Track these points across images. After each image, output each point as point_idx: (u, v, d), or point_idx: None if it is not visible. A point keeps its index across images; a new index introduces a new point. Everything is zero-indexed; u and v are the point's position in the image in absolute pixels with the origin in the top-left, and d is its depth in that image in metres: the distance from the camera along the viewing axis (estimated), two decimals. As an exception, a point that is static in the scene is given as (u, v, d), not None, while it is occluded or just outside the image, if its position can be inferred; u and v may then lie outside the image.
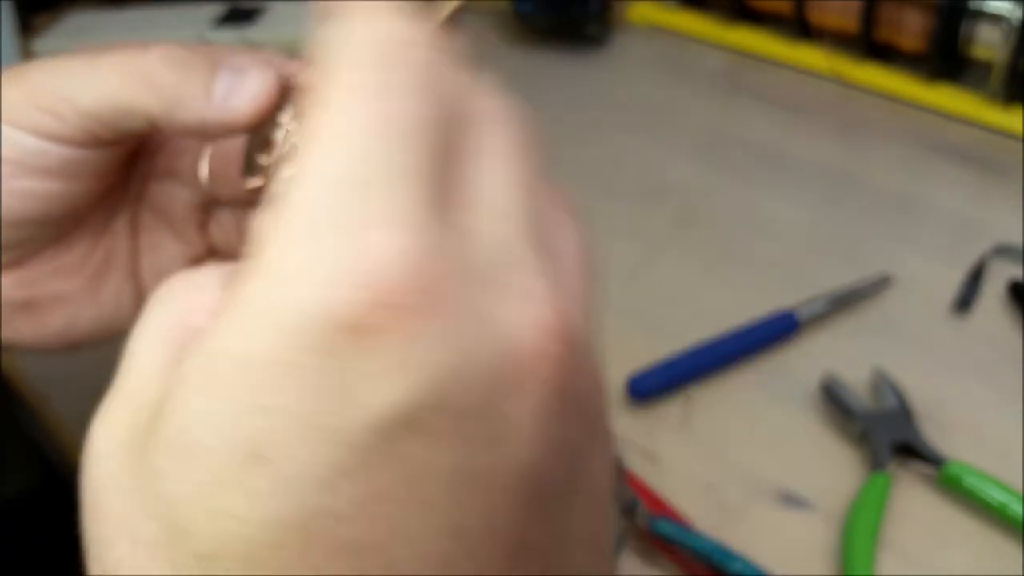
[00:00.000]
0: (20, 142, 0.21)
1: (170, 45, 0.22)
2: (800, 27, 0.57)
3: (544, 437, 0.13)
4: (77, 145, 0.22)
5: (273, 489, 0.11)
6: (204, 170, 0.24)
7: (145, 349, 0.14)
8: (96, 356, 0.38)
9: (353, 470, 0.11)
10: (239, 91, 0.20)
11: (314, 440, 0.11)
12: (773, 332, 0.38)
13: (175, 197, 0.26)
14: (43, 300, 0.24)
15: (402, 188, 0.12)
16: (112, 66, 0.21)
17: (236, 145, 0.22)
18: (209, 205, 0.25)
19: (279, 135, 0.20)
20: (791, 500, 0.32)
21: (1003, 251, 0.43)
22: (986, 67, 0.51)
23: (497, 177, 0.14)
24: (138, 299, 0.26)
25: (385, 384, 0.11)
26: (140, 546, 0.12)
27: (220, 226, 0.26)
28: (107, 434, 0.13)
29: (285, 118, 0.20)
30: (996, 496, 0.31)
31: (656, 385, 0.36)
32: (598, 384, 0.14)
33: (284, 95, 0.21)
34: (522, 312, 0.13)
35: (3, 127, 0.21)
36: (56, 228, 0.24)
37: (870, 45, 0.55)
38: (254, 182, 0.21)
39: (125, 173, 0.25)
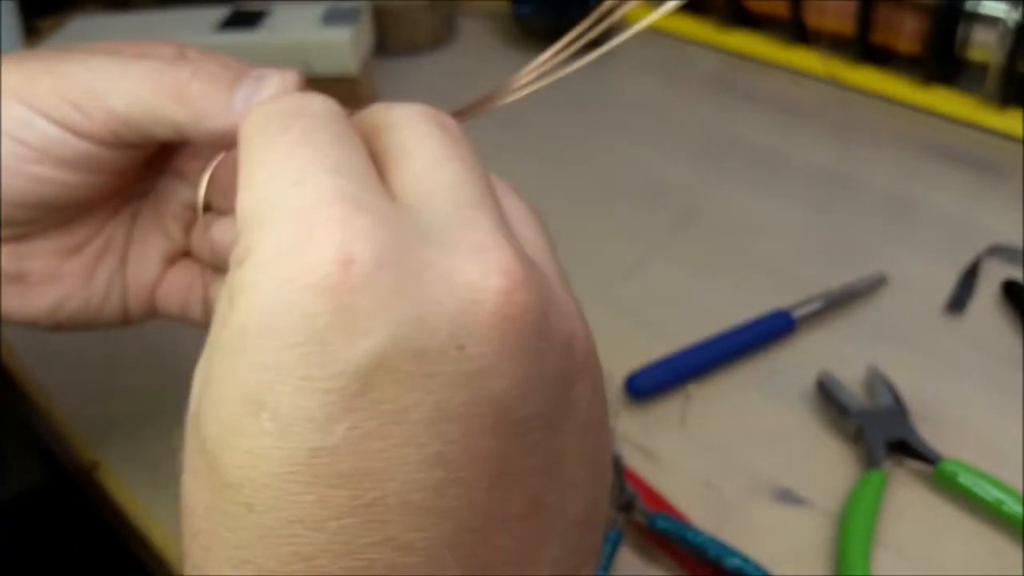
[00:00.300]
0: (43, 130, 0.22)
1: (194, 57, 0.22)
2: (796, 30, 0.57)
3: (516, 371, 0.14)
4: (100, 143, 0.22)
5: (278, 430, 0.14)
6: (205, 178, 0.24)
7: (220, 303, 0.17)
8: (101, 357, 0.39)
9: (341, 413, 0.13)
10: (259, 95, 0.21)
11: (306, 390, 0.13)
12: (769, 331, 0.38)
13: (176, 195, 0.26)
14: (36, 276, 0.25)
15: (340, 178, 0.15)
16: (145, 73, 0.21)
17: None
18: (201, 208, 0.26)
19: None
20: (788, 497, 0.33)
21: (997, 251, 0.43)
22: (981, 69, 0.51)
23: (428, 161, 0.16)
24: (123, 290, 0.26)
25: (357, 338, 0.13)
26: (194, 476, 0.15)
27: (202, 230, 0.26)
28: (195, 381, 0.16)
29: None
30: (991, 494, 0.31)
31: (654, 384, 0.36)
32: (576, 323, 0.16)
33: None
34: (477, 262, 0.14)
35: (27, 112, 0.22)
36: (64, 214, 0.24)
37: (866, 48, 0.55)
38: None
39: (142, 170, 0.25)
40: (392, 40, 0.61)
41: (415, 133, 0.17)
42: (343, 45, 0.50)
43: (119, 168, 0.23)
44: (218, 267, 0.25)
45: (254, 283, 0.14)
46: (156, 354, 0.38)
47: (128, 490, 0.33)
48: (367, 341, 0.13)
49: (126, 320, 0.26)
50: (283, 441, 0.13)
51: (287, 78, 0.21)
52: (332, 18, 0.52)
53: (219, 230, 0.24)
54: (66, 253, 0.25)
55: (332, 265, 0.13)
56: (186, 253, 0.26)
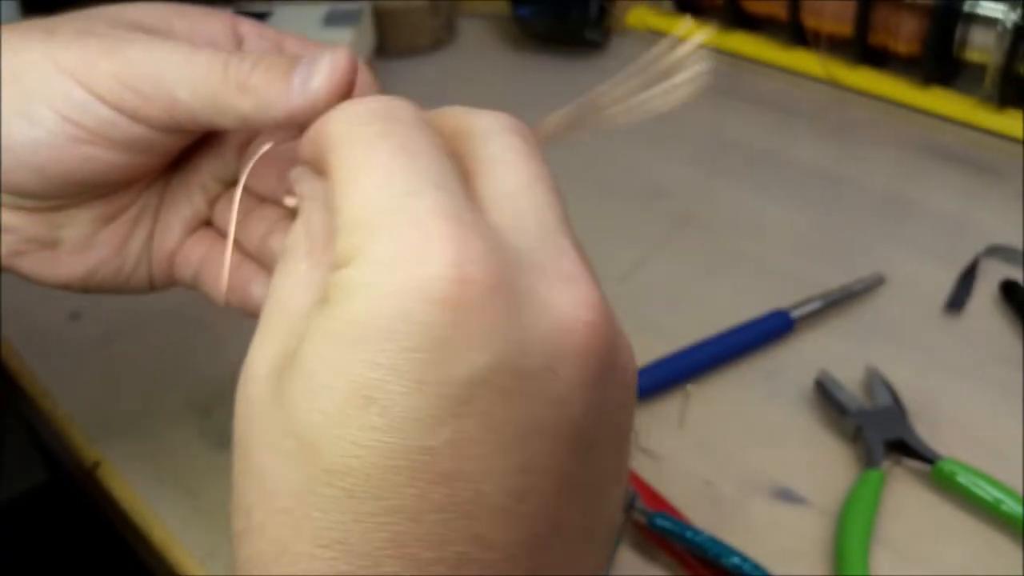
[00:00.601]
0: (100, 113, 0.22)
1: (254, 51, 0.22)
2: (795, 32, 0.58)
3: (593, 397, 0.16)
4: (157, 128, 0.22)
5: (385, 426, 0.15)
6: (251, 163, 0.24)
7: (288, 290, 0.17)
8: (102, 357, 0.39)
9: (448, 417, 0.15)
10: (314, 76, 0.21)
11: (418, 392, 0.15)
12: (768, 331, 0.39)
13: (207, 166, 0.26)
14: (70, 244, 0.25)
15: (444, 193, 0.16)
16: (209, 63, 0.21)
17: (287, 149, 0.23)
18: (241, 189, 0.26)
19: None
20: (786, 496, 0.33)
21: (996, 251, 0.43)
22: (980, 70, 0.51)
23: (518, 180, 0.17)
24: (149, 256, 0.26)
25: (470, 352, 0.15)
26: (279, 456, 0.15)
27: (227, 204, 0.26)
28: (259, 360, 0.17)
29: None
30: (989, 493, 0.31)
31: (653, 383, 0.36)
32: (631, 355, 0.18)
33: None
34: (569, 293, 0.16)
35: (85, 95, 0.21)
36: (106, 188, 0.24)
37: (865, 49, 0.55)
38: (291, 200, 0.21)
39: (187, 150, 0.25)
40: (392, 41, 0.61)
41: (504, 147, 0.18)
42: (344, 46, 0.50)
43: (168, 149, 0.24)
44: (247, 249, 0.25)
45: (369, 286, 0.15)
46: (157, 354, 0.38)
47: (129, 489, 0.33)
48: (478, 357, 0.15)
49: (151, 287, 0.27)
50: (390, 436, 0.15)
51: (338, 61, 0.21)
52: (333, 19, 0.52)
53: (260, 215, 0.24)
54: (101, 222, 0.25)
55: (451, 283, 0.15)
56: (206, 223, 0.26)
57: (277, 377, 0.16)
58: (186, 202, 0.26)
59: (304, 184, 0.20)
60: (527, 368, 0.15)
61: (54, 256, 0.25)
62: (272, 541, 0.16)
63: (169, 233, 0.26)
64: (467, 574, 0.15)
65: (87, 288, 0.26)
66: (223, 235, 0.26)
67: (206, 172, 0.26)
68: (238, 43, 0.25)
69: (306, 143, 0.19)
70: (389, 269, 0.15)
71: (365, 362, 0.15)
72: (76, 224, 0.25)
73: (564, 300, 0.16)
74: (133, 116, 0.22)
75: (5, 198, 0.23)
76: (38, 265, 0.25)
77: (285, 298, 0.18)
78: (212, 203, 0.26)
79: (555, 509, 0.16)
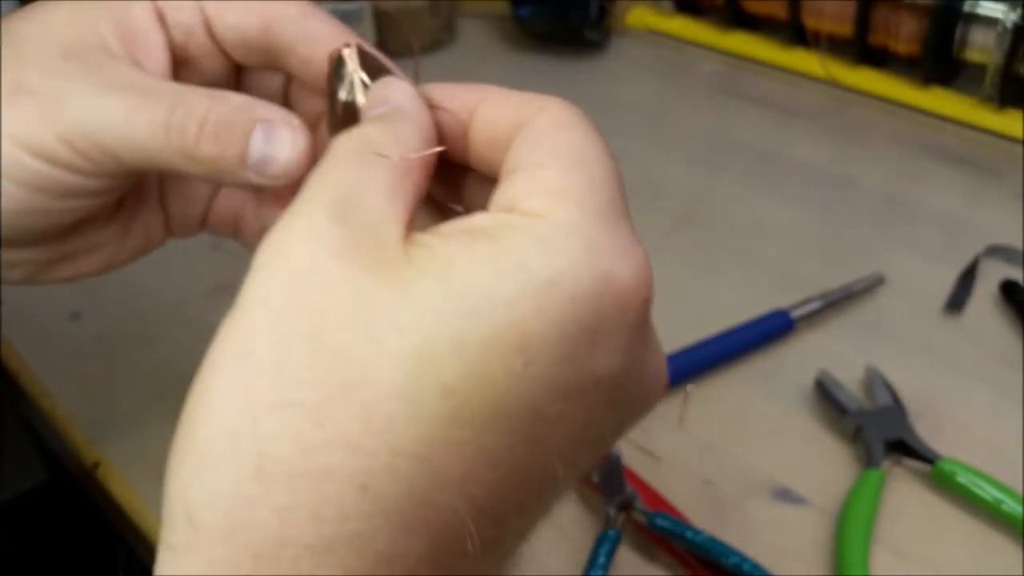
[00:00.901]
0: (51, 174, 0.21)
1: (204, 99, 0.21)
2: (795, 32, 0.58)
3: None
4: (116, 176, 0.22)
5: (521, 378, 0.15)
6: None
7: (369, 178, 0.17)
8: (102, 356, 0.39)
9: (570, 396, 0.16)
10: (273, 157, 0.21)
11: (563, 364, 0.16)
12: (769, 331, 0.39)
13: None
14: (80, 251, 0.25)
15: (621, 217, 0.18)
16: (153, 126, 0.20)
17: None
18: None
19: (341, 97, 0.21)
20: (786, 496, 0.33)
21: (995, 251, 0.43)
22: (980, 70, 0.51)
23: (594, 173, 0.19)
24: (167, 224, 0.26)
25: (611, 355, 0.16)
26: (388, 351, 0.15)
27: None
28: (313, 249, 0.16)
29: (345, 82, 0.21)
30: (989, 493, 0.31)
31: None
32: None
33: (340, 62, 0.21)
34: (630, 264, 0.17)
35: (31, 159, 0.21)
36: (94, 216, 0.25)
37: (864, 49, 0.55)
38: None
39: None
40: (392, 42, 0.61)
41: (578, 136, 0.18)
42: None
43: (135, 181, 0.24)
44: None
45: (569, 249, 0.16)
46: (158, 353, 0.38)
47: (130, 489, 0.33)
48: (613, 361, 0.17)
49: (169, 235, 0.27)
50: (521, 388, 0.15)
51: (298, 140, 0.21)
52: (333, 20, 0.52)
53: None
54: (102, 224, 0.25)
55: (634, 292, 0.17)
56: None
57: (387, 269, 0.15)
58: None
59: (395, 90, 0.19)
60: (631, 394, 0.17)
61: (72, 263, 0.25)
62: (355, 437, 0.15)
63: (190, 202, 0.26)
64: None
65: (108, 271, 0.26)
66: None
67: None
68: (161, 19, 0.23)
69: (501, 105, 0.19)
70: (594, 250, 0.16)
71: (534, 309, 0.15)
72: (82, 236, 0.25)
73: (660, 362, 0.18)
74: (88, 174, 0.22)
75: (4, 242, 0.23)
76: (61, 272, 0.25)
77: (361, 182, 0.17)
78: None
79: (588, 422, 0.17)
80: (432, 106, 0.20)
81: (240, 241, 0.26)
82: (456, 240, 0.16)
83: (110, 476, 0.34)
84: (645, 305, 0.17)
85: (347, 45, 0.22)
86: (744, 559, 0.29)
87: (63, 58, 0.21)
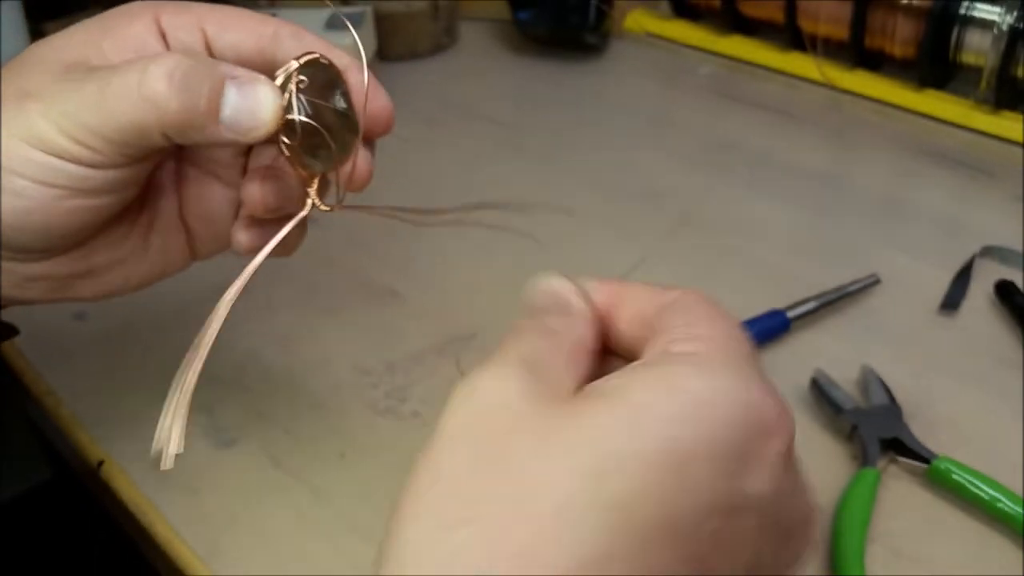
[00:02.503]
0: (63, 169, 0.22)
1: (171, 56, 0.22)
2: (792, 35, 0.58)
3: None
4: (116, 167, 0.23)
5: (690, 489, 0.16)
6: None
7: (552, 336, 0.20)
8: (107, 355, 0.39)
9: (731, 512, 0.17)
10: (245, 111, 0.22)
11: (718, 482, 0.17)
12: (764, 330, 0.39)
13: (218, 151, 0.27)
14: (100, 267, 0.26)
15: (759, 370, 0.19)
16: (121, 92, 0.22)
17: None
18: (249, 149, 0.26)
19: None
20: (783, 494, 0.33)
21: (991, 252, 0.44)
22: (975, 72, 0.51)
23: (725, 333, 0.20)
24: (187, 245, 0.27)
25: (760, 479, 0.17)
26: (556, 465, 0.16)
27: (258, 158, 0.27)
28: (503, 388, 0.18)
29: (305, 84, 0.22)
30: (985, 491, 0.31)
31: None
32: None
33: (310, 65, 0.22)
34: (773, 407, 0.18)
35: (43, 156, 0.22)
36: (110, 219, 0.25)
37: (860, 52, 0.56)
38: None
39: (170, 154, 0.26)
40: (394, 45, 0.62)
41: (715, 305, 0.20)
42: (345, 50, 0.51)
43: (144, 174, 0.24)
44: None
45: (715, 387, 0.17)
46: (163, 353, 0.39)
47: (133, 487, 0.34)
48: (759, 484, 0.17)
49: (194, 258, 0.28)
50: (671, 501, 0.16)
51: (268, 93, 0.22)
52: (335, 24, 0.53)
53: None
54: (120, 239, 0.26)
55: (785, 427, 0.18)
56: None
57: (561, 395, 0.18)
58: (218, 185, 0.27)
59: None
60: (781, 524, 0.18)
61: (93, 281, 0.26)
62: (514, 542, 0.16)
63: (214, 218, 0.27)
64: None
65: (128, 291, 0.27)
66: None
67: (222, 153, 0.27)
68: (162, 36, 0.25)
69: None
70: (744, 380, 0.18)
71: (693, 427, 0.16)
72: (99, 250, 0.26)
73: (810, 500, 0.19)
74: (93, 165, 0.22)
75: (24, 249, 0.24)
76: (82, 290, 0.26)
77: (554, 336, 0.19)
78: (245, 172, 0.27)
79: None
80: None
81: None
82: (620, 374, 0.18)
83: (114, 475, 0.34)
84: (789, 440, 0.18)
85: (296, 58, 0.23)
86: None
87: (65, 70, 0.23)
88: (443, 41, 0.65)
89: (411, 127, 0.53)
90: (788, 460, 0.18)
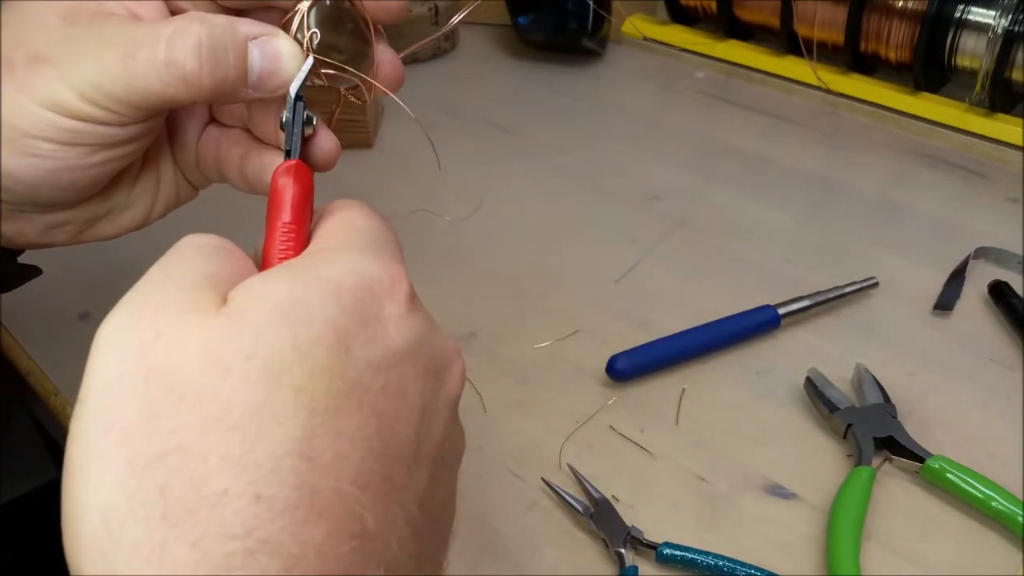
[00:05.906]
0: (85, 129, 0.23)
1: (194, 22, 0.22)
2: (787, 40, 0.58)
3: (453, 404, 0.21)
4: (137, 123, 0.23)
5: (353, 357, 0.18)
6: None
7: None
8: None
9: (389, 365, 0.19)
10: (269, 72, 0.23)
11: (371, 344, 0.19)
12: (754, 323, 0.39)
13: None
14: (120, 207, 0.27)
15: (383, 248, 0.21)
16: (148, 67, 0.22)
17: None
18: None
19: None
20: (778, 492, 0.33)
21: (985, 253, 0.44)
22: (970, 76, 0.52)
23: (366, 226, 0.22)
24: (183, 181, 0.28)
25: (401, 330, 0.19)
26: (233, 374, 0.17)
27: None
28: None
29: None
30: (978, 490, 0.31)
31: (638, 366, 0.37)
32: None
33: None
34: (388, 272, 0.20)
35: (62, 119, 0.22)
36: (131, 165, 0.26)
37: (856, 57, 0.56)
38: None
39: None
40: (394, 49, 0.62)
41: (353, 213, 0.22)
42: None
43: (160, 123, 0.25)
44: (262, 137, 0.26)
45: (341, 270, 0.19)
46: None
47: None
48: (394, 342, 0.20)
49: (197, 191, 0.29)
50: (334, 380, 0.18)
51: (287, 46, 0.23)
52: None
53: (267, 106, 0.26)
54: (136, 179, 0.27)
55: (398, 285, 0.20)
56: (209, 120, 0.27)
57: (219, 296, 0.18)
58: (191, 116, 0.27)
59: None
60: (436, 360, 0.20)
61: (111, 219, 0.27)
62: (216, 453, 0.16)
63: (190, 145, 0.28)
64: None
65: (148, 224, 0.28)
66: (222, 125, 0.27)
67: None
68: None
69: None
70: (362, 263, 0.20)
71: (337, 306, 0.18)
72: (119, 193, 0.27)
73: (448, 339, 0.21)
74: (114, 123, 0.23)
75: (51, 204, 0.25)
76: (104, 230, 0.27)
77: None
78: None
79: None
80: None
81: (226, 182, 0.27)
82: (262, 275, 0.19)
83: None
84: (407, 293, 0.20)
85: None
86: (758, 569, 0.30)
87: (63, 21, 0.23)
88: (443, 46, 0.66)
89: (411, 130, 0.54)
90: (413, 309, 0.20)
